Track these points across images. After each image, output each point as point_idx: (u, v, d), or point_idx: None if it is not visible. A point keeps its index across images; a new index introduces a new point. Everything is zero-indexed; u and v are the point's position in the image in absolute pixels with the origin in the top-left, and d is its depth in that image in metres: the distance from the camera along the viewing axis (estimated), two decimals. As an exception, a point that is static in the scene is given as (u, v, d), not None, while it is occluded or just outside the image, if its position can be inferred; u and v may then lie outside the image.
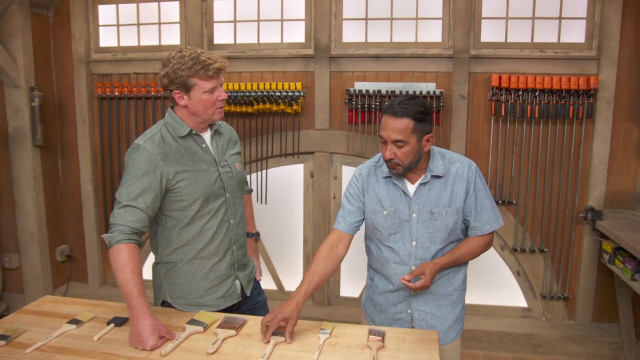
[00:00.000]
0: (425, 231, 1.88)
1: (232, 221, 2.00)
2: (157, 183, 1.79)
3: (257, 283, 2.22)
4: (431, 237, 1.88)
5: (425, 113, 1.77)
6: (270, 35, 3.84)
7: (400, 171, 1.83)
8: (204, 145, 1.93)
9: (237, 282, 2.04)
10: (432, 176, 1.86)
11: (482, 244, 1.94)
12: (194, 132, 1.90)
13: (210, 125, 1.99)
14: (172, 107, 1.93)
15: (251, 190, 2.40)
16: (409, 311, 1.96)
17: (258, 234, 2.41)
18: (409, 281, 1.78)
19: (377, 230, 1.95)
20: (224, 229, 1.96)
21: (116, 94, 3.98)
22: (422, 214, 1.86)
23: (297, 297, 1.75)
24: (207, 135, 1.97)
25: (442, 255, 1.89)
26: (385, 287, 2.00)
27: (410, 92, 3.50)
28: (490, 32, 3.54)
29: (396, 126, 1.75)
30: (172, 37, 3.96)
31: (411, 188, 1.89)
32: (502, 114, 3.46)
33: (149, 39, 4.02)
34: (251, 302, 2.13)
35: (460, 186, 1.86)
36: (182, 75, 1.79)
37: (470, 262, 3.69)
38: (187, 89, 1.82)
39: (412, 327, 1.96)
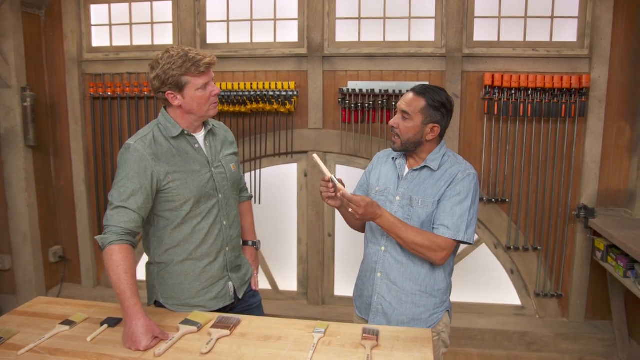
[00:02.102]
0: (401, 215, 1.92)
1: (225, 222, 1.99)
2: (147, 183, 1.78)
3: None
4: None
5: (441, 103, 1.88)
6: (263, 35, 3.83)
7: (398, 146, 1.94)
8: (196, 146, 1.93)
9: (230, 283, 2.03)
10: (426, 167, 1.94)
11: (429, 242, 1.83)
12: (186, 132, 1.89)
13: (204, 125, 1.98)
14: (165, 108, 1.93)
15: (251, 197, 2.37)
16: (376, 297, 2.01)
17: (259, 242, 2.35)
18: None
19: None
20: (216, 230, 1.95)
21: (109, 94, 3.96)
22: (404, 198, 1.94)
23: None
24: (200, 136, 1.96)
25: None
26: (363, 268, 2.11)
27: (404, 92, 3.50)
28: (483, 31, 3.55)
29: (410, 100, 1.90)
30: (164, 36, 3.95)
31: (405, 172, 1.99)
32: (495, 112, 3.47)
33: (142, 38, 4.00)
34: (245, 304, 2.12)
35: (446, 183, 1.90)
36: (174, 74, 1.78)
37: (464, 259, 3.75)
38: (180, 88, 1.81)
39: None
